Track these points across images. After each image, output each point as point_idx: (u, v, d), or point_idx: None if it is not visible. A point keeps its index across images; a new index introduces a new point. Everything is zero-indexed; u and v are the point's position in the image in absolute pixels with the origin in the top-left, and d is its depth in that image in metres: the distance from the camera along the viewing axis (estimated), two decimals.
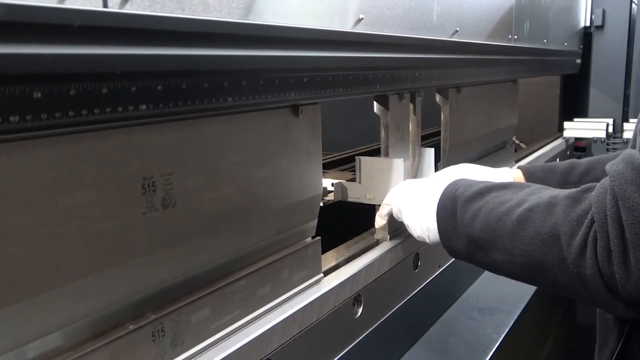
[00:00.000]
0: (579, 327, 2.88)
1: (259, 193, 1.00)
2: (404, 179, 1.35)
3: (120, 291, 0.78)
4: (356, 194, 1.40)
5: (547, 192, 0.97)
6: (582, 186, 0.92)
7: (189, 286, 0.88)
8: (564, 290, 0.92)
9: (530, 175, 1.41)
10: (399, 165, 1.35)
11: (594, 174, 1.34)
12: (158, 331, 0.82)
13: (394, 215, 1.29)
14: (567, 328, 2.70)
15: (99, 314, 0.75)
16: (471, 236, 1.03)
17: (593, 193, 0.88)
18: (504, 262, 0.98)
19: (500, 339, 1.53)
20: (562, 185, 1.33)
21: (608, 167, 0.88)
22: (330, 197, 1.42)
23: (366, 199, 1.39)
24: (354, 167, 1.42)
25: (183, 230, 0.85)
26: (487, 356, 1.45)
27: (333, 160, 2.18)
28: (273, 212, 1.04)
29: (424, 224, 1.16)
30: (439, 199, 1.12)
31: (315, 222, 1.16)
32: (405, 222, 1.23)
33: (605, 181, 0.87)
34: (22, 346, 0.67)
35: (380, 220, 1.36)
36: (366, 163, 1.38)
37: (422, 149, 1.52)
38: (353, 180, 1.43)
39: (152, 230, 0.80)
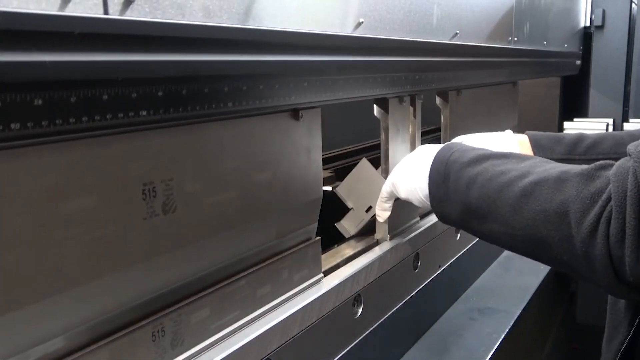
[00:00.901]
0: (579, 327, 2.88)
1: (259, 197, 1.00)
2: (378, 175, 1.36)
3: (120, 296, 0.78)
4: (358, 220, 1.39)
5: (554, 166, 0.94)
6: (596, 163, 0.89)
7: (189, 290, 0.89)
8: (565, 267, 0.90)
9: (536, 142, 1.36)
10: (364, 165, 1.37)
11: (601, 148, 1.30)
12: (158, 331, 0.82)
13: (397, 194, 1.26)
14: (567, 328, 2.70)
15: (99, 319, 0.76)
16: (466, 204, 1.01)
17: (611, 172, 0.85)
18: (501, 233, 0.96)
19: (500, 339, 1.53)
20: (567, 155, 1.30)
21: (631, 147, 0.84)
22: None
23: (367, 215, 1.38)
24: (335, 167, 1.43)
25: (183, 235, 0.86)
26: (487, 356, 1.46)
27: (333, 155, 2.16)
28: (273, 216, 1.05)
29: (417, 187, 1.14)
30: (432, 163, 1.10)
31: (315, 225, 1.17)
32: (403, 196, 1.22)
33: (626, 161, 0.84)
34: (22, 352, 0.67)
35: (383, 214, 1.34)
36: (344, 188, 1.39)
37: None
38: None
39: (153, 236, 0.81)
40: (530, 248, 0.93)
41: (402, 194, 1.21)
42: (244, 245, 0.99)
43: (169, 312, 0.84)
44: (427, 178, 1.10)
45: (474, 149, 1.08)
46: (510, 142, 1.37)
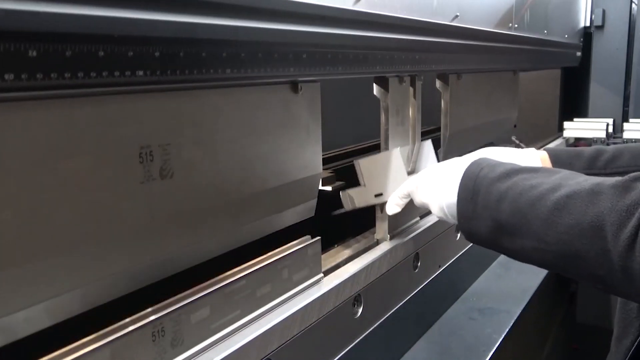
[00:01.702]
0: (579, 327, 2.88)
1: (257, 169, 0.99)
2: (406, 166, 1.34)
3: (116, 260, 0.77)
4: (364, 198, 1.36)
5: (586, 179, 0.92)
6: (630, 175, 0.86)
7: (186, 261, 0.88)
8: (601, 282, 0.87)
9: (556, 157, 1.34)
10: (396, 155, 1.33)
11: (621, 161, 1.28)
12: (158, 331, 0.82)
13: (416, 203, 1.24)
14: (567, 328, 2.70)
15: (94, 283, 0.75)
16: (496, 220, 0.98)
17: None
18: (533, 249, 0.93)
19: (500, 339, 1.53)
20: (587, 169, 1.27)
21: None
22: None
23: (374, 199, 1.35)
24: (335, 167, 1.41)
25: (180, 202, 0.85)
26: (487, 356, 1.45)
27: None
28: (271, 189, 1.04)
29: (444, 201, 1.11)
30: (461, 180, 1.06)
31: (314, 202, 1.16)
32: (423, 200, 1.19)
33: None
34: (9, 314, 0.66)
35: (394, 208, 1.32)
36: (365, 164, 1.35)
37: (421, 142, 1.49)
38: (342, 181, 1.42)
39: (150, 199, 0.80)
40: (563, 263, 0.91)
41: (432, 209, 1.17)
42: (241, 217, 0.98)
43: (169, 312, 0.83)
44: (456, 195, 1.07)
45: (502, 163, 1.06)
46: (534, 157, 1.34)
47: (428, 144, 1.50)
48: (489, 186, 1.00)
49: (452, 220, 1.10)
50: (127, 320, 0.79)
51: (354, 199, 1.35)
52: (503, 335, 1.55)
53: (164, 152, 0.81)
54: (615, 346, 1.10)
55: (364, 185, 1.35)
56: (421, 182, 1.20)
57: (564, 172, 0.98)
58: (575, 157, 1.33)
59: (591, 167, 1.29)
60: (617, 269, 0.82)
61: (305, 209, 1.14)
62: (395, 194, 1.31)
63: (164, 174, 0.81)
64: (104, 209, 0.74)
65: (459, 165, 1.10)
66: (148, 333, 0.80)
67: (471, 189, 1.03)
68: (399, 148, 1.34)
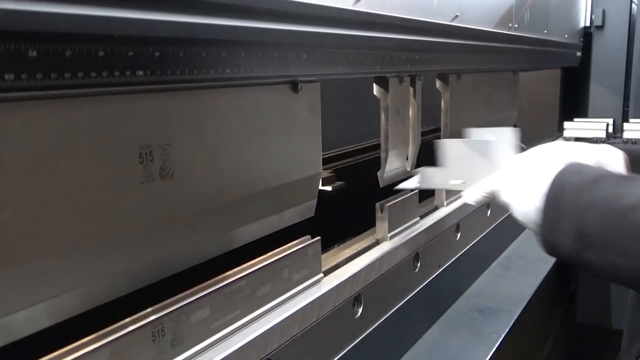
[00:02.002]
0: (579, 327, 2.88)
1: (257, 169, 1.00)
2: (501, 160, 1.25)
3: (116, 260, 0.77)
4: (441, 181, 1.28)
5: None
6: None
7: (187, 260, 0.88)
8: None
9: (633, 155, 1.19)
10: (489, 146, 1.23)
11: None
12: (158, 331, 0.81)
13: (496, 195, 1.14)
14: (567, 328, 2.70)
15: (94, 283, 0.75)
16: (580, 231, 0.89)
17: None
18: (622, 265, 0.84)
19: (500, 339, 1.53)
20: None
21: None
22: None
23: (449, 184, 1.26)
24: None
25: (180, 202, 0.85)
26: (487, 356, 1.45)
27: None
28: (271, 189, 1.04)
29: (527, 208, 1.01)
30: (547, 189, 0.97)
31: (314, 202, 1.16)
32: (506, 200, 1.09)
33: None
34: (10, 314, 0.66)
35: (473, 199, 1.20)
36: (451, 146, 1.26)
37: (503, 128, 1.34)
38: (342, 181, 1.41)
39: (150, 199, 0.80)
40: None
41: (510, 209, 1.09)
42: (241, 217, 0.98)
43: (169, 312, 0.83)
44: (540, 202, 0.98)
45: (589, 168, 0.97)
46: (616, 155, 1.18)
47: (509, 132, 1.34)
48: (575, 194, 0.92)
49: (535, 229, 1.01)
50: (127, 320, 0.79)
51: (431, 178, 1.29)
52: (503, 335, 1.55)
53: (164, 152, 0.81)
54: (626, 350, 1.09)
55: (446, 167, 1.26)
56: (506, 183, 1.11)
57: None
58: None
59: None
60: None
61: (306, 209, 1.14)
62: (479, 189, 1.19)
63: (164, 174, 0.81)
64: (104, 209, 0.74)
65: (545, 171, 1.00)
66: (148, 333, 0.80)
67: (556, 201, 0.95)
68: (494, 140, 1.25)
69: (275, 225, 1.07)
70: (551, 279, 2.05)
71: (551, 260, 2.10)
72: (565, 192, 0.93)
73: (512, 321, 1.63)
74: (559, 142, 1.24)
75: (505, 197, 1.09)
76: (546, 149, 1.14)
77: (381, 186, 1.39)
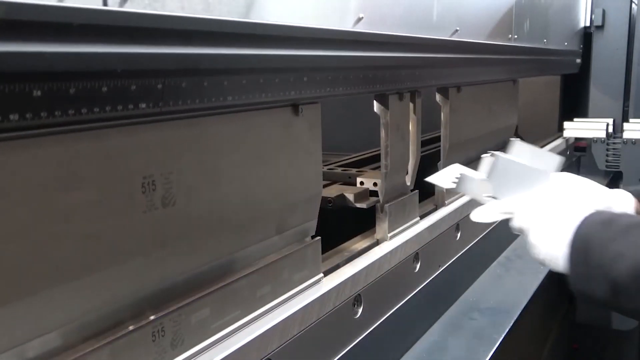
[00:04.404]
0: (579, 327, 2.88)
1: (258, 192, 1.00)
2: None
3: (120, 289, 0.77)
4: (479, 191, 1.22)
5: None
6: None
7: (189, 285, 0.88)
8: None
9: None
10: (543, 177, 1.18)
11: None
12: (158, 331, 0.81)
13: (516, 226, 1.15)
14: (567, 328, 2.70)
15: (99, 312, 0.75)
16: (612, 281, 0.92)
17: None
18: None
19: (500, 339, 1.53)
20: None
21: None
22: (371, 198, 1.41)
23: (483, 198, 1.22)
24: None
25: (183, 229, 0.85)
26: (487, 356, 1.45)
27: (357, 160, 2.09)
28: (273, 211, 1.04)
29: (552, 252, 1.03)
30: (573, 235, 0.99)
31: (315, 222, 1.16)
32: (532, 241, 1.09)
33: None
34: (21, 345, 0.67)
35: (484, 219, 1.20)
36: (505, 164, 1.19)
37: (547, 153, 1.33)
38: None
39: (152, 229, 0.80)
40: None
41: (537, 251, 1.08)
42: (243, 240, 0.98)
43: (169, 312, 0.83)
44: (566, 250, 1.00)
45: (617, 217, 1.00)
46: (627, 199, 1.22)
47: (555, 161, 1.30)
48: (605, 245, 0.94)
49: (557, 270, 1.04)
50: (127, 320, 0.79)
51: (468, 185, 1.24)
52: (503, 335, 1.55)
53: (166, 180, 0.81)
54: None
55: (491, 181, 1.20)
56: (532, 223, 1.10)
57: None
58: None
59: None
60: None
61: (306, 229, 1.14)
62: (497, 209, 1.19)
63: (166, 202, 0.81)
64: (108, 240, 0.74)
65: (571, 215, 1.03)
66: (148, 333, 0.80)
67: (584, 249, 0.97)
68: (551, 173, 1.20)
69: (276, 246, 1.06)
70: (551, 279, 2.05)
71: None
72: (593, 245, 0.96)
73: (512, 321, 1.63)
74: (578, 180, 1.23)
75: (532, 238, 1.09)
76: (570, 188, 1.16)
77: (381, 202, 1.39)
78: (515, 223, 1.15)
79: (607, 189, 1.25)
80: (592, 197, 1.16)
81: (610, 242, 0.94)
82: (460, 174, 1.24)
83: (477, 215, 1.20)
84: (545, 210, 1.09)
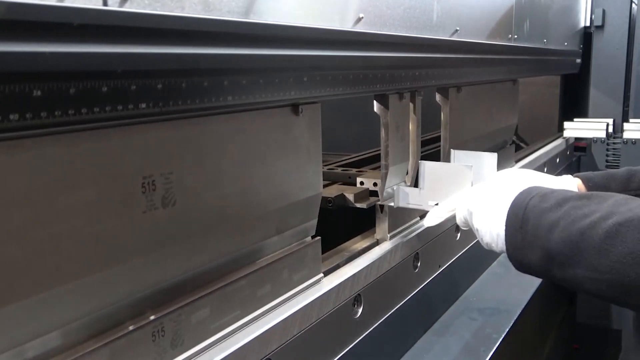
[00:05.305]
0: (579, 327, 2.88)
1: (258, 192, 1.00)
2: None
3: (120, 290, 0.77)
4: (417, 200, 1.34)
5: (639, 205, 0.90)
6: None
7: (189, 285, 0.88)
8: None
9: (592, 183, 1.32)
10: (467, 172, 1.29)
11: None
12: (158, 331, 0.81)
13: (459, 220, 1.23)
14: (567, 328, 2.70)
15: (99, 312, 0.75)
16: (546, 249, 0.96)
17: None
18: (585, 278, 0.91)
19: (500, 339, 1.53)
20: (622, 191, 1.24)
21: None
22: (373, 199, 1.41)
23: (428, 206, 1.32)
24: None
25: (183, 229, 0.85)
26: (487, 356, 1.45)
27: (357, 160, 2.10)
28: (273, 211, 1.04)
29: (493, 231, 1.08)
30: (510, 207, 1.04)
31: (315, 222, 1.16)
32: (475, 226, 1.15)
33: None
34: (21, 345, 0.67)
35: (435, 220, 1.29)
36: (430, 168, 1.31)
37: (484, 153, 1.41)
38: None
39: (153, 229, 0.80)
40: (617, 293, 0.89)
41: (478, 229, 1.14)
42: (243, 240, 0.98)
43: (169, 312, 0.83)
44: (504, 223, 1.05)
45: (553, 191, 1.03)
46: (571, 185, 1.31)
47: (493, 158, 1.40)
48: (539, 215, 0.98)
49: (501, 249, 1.08)
50: (127, 320, 0.79)
51: (408, 198, 1.33)
52: (503, 335, 1.55)
53: (166, 180, 0.81)
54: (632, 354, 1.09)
55: (422, 188, 1.32)
56: (473, 208, 1.16)
57: (617, 197, 0.95)
58: (609, 178, 1.31)
59: (626, 188, 1.27)
60: None
61: (306, 229, 1.14)
62: (442, 208, 1.28)
63: (166, 203, 0.81)
64: (107, 240, 0.74)
65: (507, 193, 1.08)
66: (148, 333, 0.80)
67: (520, 218, 1.01)
68: (471, 166, 1.30)
69: (276, 246, 1.07)
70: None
71: None
72: (530, 214, 1.00)
73: (512, 321, 1.63)
74: (522, 170, 1.33)
75: (475, 223, 1.15)
76: (509, 175, 1.23)
77: (380, 202, 1.40)
78: (458, 215, 1.22)
79: (552, 176, 1.32)
80: (532, 180, 1.22)
81: (546, 213, 0.97)
82: (395, 188, 1.33)
83: (427, 220, 1.31)
84: (483, 195, 1.13)
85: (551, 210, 0.97)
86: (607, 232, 0.87)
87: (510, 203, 1.04)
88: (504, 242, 1.05)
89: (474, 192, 1.18)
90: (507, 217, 1.04)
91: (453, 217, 1.26)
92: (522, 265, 1.03)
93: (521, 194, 1.05)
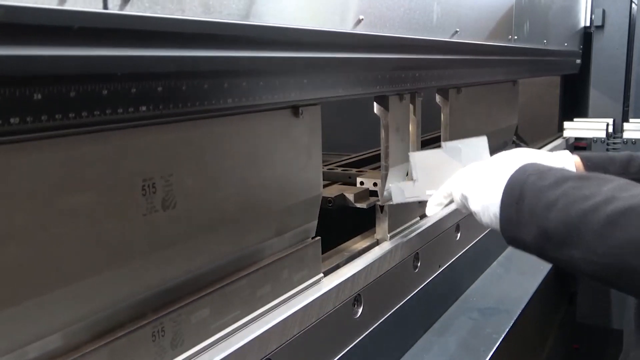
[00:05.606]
0: (579, 327, 2.88)
1: (258, 194, 1.00)
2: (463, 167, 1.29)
3: (120, 292, 0.78)
4: (413, 192, 1.34)
5: None
6: None
7: (189, 287, 0.89)
8: None
9: (590, 163, 1.31)
10: (457, 154, 1.30)
11: None
12: (158, 331, 0.82)
13: (456, 203, 1.21)
14: (567, 328, 2.70)
15: (99, 315, 0.75)
16: (543, 227, 0.95)
17: None
18: (581, 259, 0.90)
19: (500, 339, 1.53)
20: (621, 175, 1.17)
21: None
22: (373, 199, 1.42)
23: (426, 195, 1.31)
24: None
25: (183, 232, 0.85)
26: (487, 356, 1.45)
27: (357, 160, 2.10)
28: (273, 213, 1.04)
29: (491, 210, 1.06)
30: (506, 183, 1.03)
31: (315, 223, 1.16)
32: (472, 209, 1.14)
33: None
34: (22, 347, 0.67)
35: (435, 208, 1.28)
36: (420, 158, 1.32)
37: (473, 138, 1.41)
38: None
39: (153, 231, 0.80)
40: (613, 277, 0.89)
41: (472, 207, 1.14)
42: (243, 242, 0.98)
43: (169, 312, 0.83)
44: (499, 199, 1.04)
45: (551, 170, 1.02)
46: (568, 161, 1.31)
47: (483, 140, 1.41)
48: (537, 193, 0.98)
49: (495, 224, 1.07)
50: (127, 322, 0.79)
51: (404, 192, 1.34)
52: (503, 335, 1.55)
53: (166, 183, 0.81)
54: (633, 352, 1.10)
55: (416, 179, 1.33)
56: (467, 191, 1.16)
57: (618, 181, 0.95)
58: (608, 161, 1.31)
59: (625, 172, 1.27)
60: None
61: (306, 230, 1.15)
62: (439, 194, 1.27)
63: (166, 205, 0.82)
64: (107, 242, 0.75)
65: (503, 169, 1.07)
66: (148, 333, 0.80)
67: (517, 195, 1.01)
68: (461, 148, 1.31)
69: (276, 248, 1.07)
70: (551, 279, 2.06)
71: None
72: (527, 192, 0.99)
73: (512, 321, 1.63)
74: (518, 149, 1.31)
75: (464, 199, 1.15)
76: (506, 154, 1.21)
77: (380, 203, 1.40)
78: (455, 198, 1.20)
79: (549, 152, 1.31)
80: (529, 157, 1.19)
81: (544, 191, 0.97)
82: (389, 187, 1.33)
83: (428, 210, 1.29)
84: (478, 175, 1.13)
85: (550, 189, 0.96)
86: (609, 217, 0.87)
87: (506, 180, 1.03)
88: (498, 218, 1.04)
89: (468, 173, 1.17)
90: (504, 192, 1.03)
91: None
92: (514, 241, 1.03)
93: (518, 171, 1.04)
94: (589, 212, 0.89)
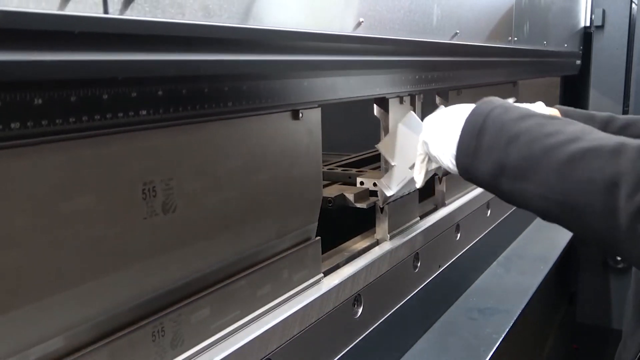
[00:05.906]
0: (579, 327, 2.88)
1: (259, 197, 1.00)
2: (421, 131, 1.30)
3: (121, 295, 0.78)
4: (399, 176, 1.36)
5: (608, 136, 0.89)
6: None
7: (189, 290, 0.89)
8: (599, 239, 0.86)
9: (568, 116, 1.26)
10: (413, 120, 1.33)
11: (633, 130, 1.27)
12: (158, 331, 0.82)
13: (432, 159, 1.18)
14: (567, 328, 2.71)
15: (99, 318, 0.76)
16: (500, 160, 0.94)
17: None
18: (535, 195, 0.90)
19: (500, 339, 1.53)
20: None
21: None
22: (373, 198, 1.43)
23: (411, 172, 1.33)
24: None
25: (183, 235, 0.86)
26: (487, 356, 1.46)
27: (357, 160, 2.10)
28: (273, 216, 1.04)
29: (450, 150, 1.05)
30: (469, 114, 1.01)
31: (315, 225, 1.17)
32: (433, 153, 1.12)
33: None
34: (23, 351, 0.67)
35: (419, 177, 1.26)
36: (385, 144, 1.35)
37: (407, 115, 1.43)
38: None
39: (153, 235, 0.81)
40: (565, 215, 0.89)
41: (433, 151, 1.12)
42: (243, 244, 0.99)
43: (169, 312, 0.84)
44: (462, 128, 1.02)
45: (517, 106, 1.01)
46: (544, 111, 1.28)
47: (412, 116, 1.43)
48: (500, 127, 0.97)
49: (453, 154, 1.05)
50: (127, 325, 0.80)
51: (391, 183, 1.35)
52: (503, 335, 1.55)
53: (166, 186, 0.81)
54: (629, 339, 1.10)
55: (395, 164, 1.34)
56: (428, 137, 1.14)
57: (584, 126, 0.94)
58: (588, 119, 1.29)
59: (604, 131, 1.25)
60: (623, 229, 0.81)
61: (306, 232, 1.15)
62: (416, 161, 1.25)
63: (167, 209, 0.82)
64: (108, 246, 0.75)
65: (464, 109, 1.05)
66: (148, 333, 0.81)
67: (479, 126, 0.99)
68: (413, 112, 1.33)
69: (276, 250, 1.07)
70: (551, 279, 2.06)
71: (551, 260, 2.11)
72: (490, 124, 0.98)
73: (512, 321, 1.64)
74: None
75: (427, 140, 1.13)
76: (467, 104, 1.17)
77: (380, 203, 1.40)
78: (426, 154, 1.18)
79: (524, 104, 1.26)
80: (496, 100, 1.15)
81: (507, 125, 0.96)
82: (377, 182, 1.39)
83: (417, 182, 1.27)
84: (439, 117, 1.11)
85: (513, 123, 0.96)
86: (571, 156, 0.87)
87: (466, 116, 1.02)
88: (456, 145, 1.03)
89: (428, 121, 1.16)
90: (465, 122, 1.01)
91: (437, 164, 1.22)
92: (467, 172, 1.02)
93: (483, 102, 1.03)
94: (550, 149, 0.89)
